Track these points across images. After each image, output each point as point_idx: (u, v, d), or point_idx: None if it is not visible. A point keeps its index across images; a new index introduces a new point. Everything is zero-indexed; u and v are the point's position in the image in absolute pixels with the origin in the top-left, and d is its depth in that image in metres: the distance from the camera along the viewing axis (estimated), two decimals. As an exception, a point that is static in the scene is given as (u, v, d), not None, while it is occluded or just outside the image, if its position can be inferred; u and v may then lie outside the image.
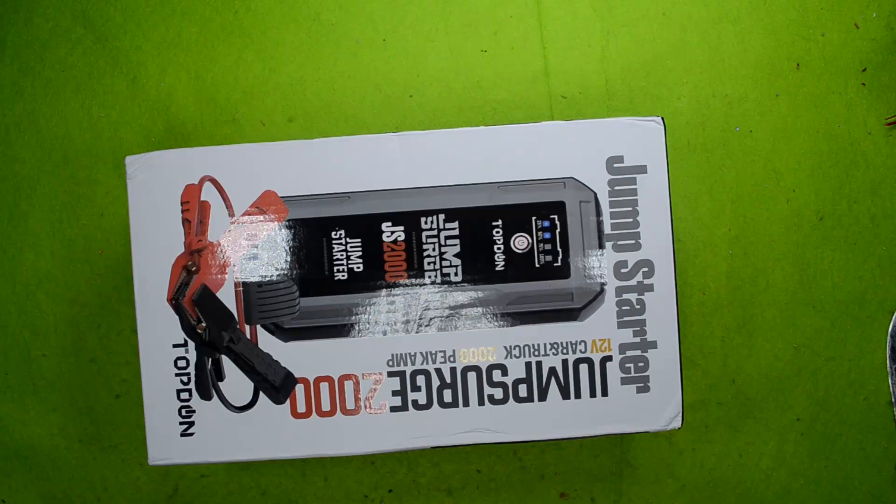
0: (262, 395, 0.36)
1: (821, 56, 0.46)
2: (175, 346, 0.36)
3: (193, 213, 0.35)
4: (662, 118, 0.36)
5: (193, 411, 0.36)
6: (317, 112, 0.46)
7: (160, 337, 0.36)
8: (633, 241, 0.36)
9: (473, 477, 0.47)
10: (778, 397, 0.47)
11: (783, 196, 0.46)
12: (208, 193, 0.35)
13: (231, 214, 0.35)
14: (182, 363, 0.36)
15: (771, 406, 0.46)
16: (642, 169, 0.36)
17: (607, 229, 0.36)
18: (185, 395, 0.36)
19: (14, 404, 0.47)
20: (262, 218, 0.35)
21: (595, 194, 0.36)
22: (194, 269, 0.35)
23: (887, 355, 0.47)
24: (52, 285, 0.46)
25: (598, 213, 0.36)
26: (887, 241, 0.46)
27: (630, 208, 0.36)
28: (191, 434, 0.36)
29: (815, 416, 0.47)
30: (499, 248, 0.36)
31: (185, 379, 0.36)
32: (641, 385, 0.36)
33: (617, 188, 0.36)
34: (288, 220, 0.36)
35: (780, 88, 0.46)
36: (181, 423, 0.36)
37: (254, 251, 0.35)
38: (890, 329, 0.47)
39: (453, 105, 0.46)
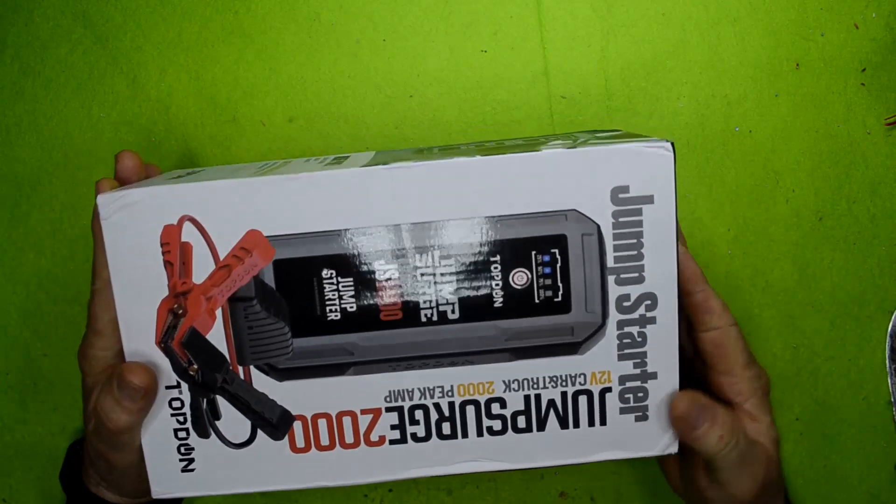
0: (259, 431, 0.35)
1: (820, 56, 0.46)
2: (168, 387, 0.35)
3: (175, 254, 0.34)
4: (672, 143, 0.33)
5: (192, 448, 0.35)
6: (317, 112, 0.46)
7: None
8: (636, 275, 0.34)
9: (473, 477, 0.47)
10: (777, 397, 0.47)
11: (782, 196, 0.46)
12: (189, 233, 0.34)
13: (215, 255, 0.34)
14: (177, 403, 0.35)
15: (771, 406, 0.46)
16: (649, 199, 0.34)
17: (610, 262, 0.34)
18: (182, 434, 0.35)
19: (14, 404, 0.47)
20: (248, 259, 0.34)
21: (598, 227, 0.34)
22: (181, 311, 0.34)
23: (887, 355, 0.47)
24: (52, 285, 0.46)
25: (601, 246, 0.34)
26: (887, 241, 0.46)
27: (635, 240, 0.34)
28: (192, 470, 0.36)
29: (815, 416, 0.47)
30: (497, 285, 0.35)
31: (181, 419, 0.35)
32: (640, 414, 0.36)
33: (621, 220, 0.34)
34: (275, 260, 0.34)
35: (779, 89, 0.46)
36: (181, 460, 0.36)
37: (242, 293, 0.34)
38: (890, 329, 0.47)
39: (453, 105, 0.46)
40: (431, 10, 0.46)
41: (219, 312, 0.34)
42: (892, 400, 0.47)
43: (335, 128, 0.46)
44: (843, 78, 0.46)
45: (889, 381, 0.47)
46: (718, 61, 0.46)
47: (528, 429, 0.36)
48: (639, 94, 0.46)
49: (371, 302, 0.34)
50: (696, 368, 0.40)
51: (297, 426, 0.35)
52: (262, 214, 0.34)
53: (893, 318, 0.47)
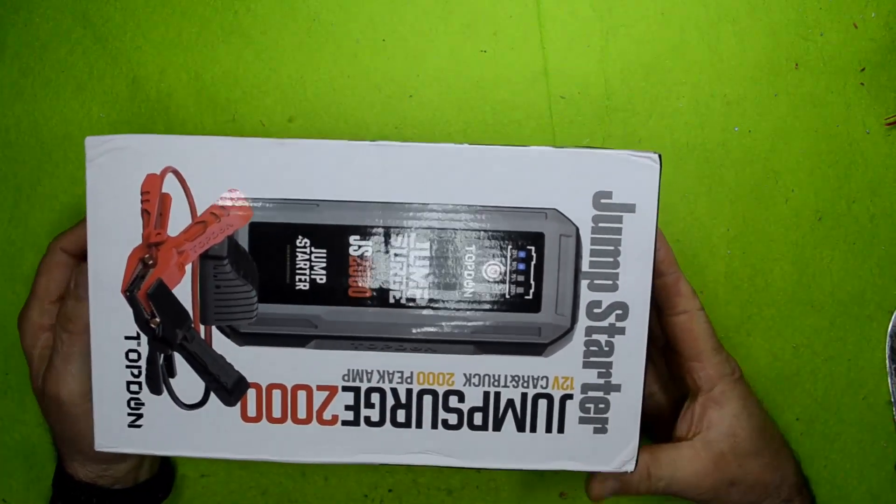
0: (212, 395, 0.35)
1: (819, 56, 0.46)
2: (128, 337, 0.35)
3: (153, 204, 0.34)
4: (660, 155, 0.34)
5: (143, 404, 0.35)
6: (317, 112, 0.46)
7: (113, 327, 0.35)
8: (610, 282, 0.34)
9: (473, 477, 0.47)
10: (777, 397, 0.47)
11: (782, 196, 0.46)
12: (170, 185, 0.34)
13: (193, 210, 0.34)
14: (133, 356, 0.35)
15: (770, 406, 0.46)
16: (631, 208, 0.34)
17: (585, 266, 0.34)
18: (134, 388, 0.35)
19: (14, 404, 0.47)
20: (224, 218, 0.34)
21: (577, 229, 0.34)
22: (151, 262, 0.34)
23: (886, 355, 0.47)
24: (52, 285, 0.46)
25: (578, 249, 0.34)
26: (886, 240, 0.46)
27: (612, 247, 0.34)
28: (138, 426, 0.35)
29: (815, 416, 0.47)
30: (469, 275, 0.34)
31: (135, 371, 0.35)
32: (599, 426, 0.35)
33: (601, 225, 0.34)
34: (251, 223, 0.34)
35: (778, 88, 0.46)
36: (129, 415, 0.35)
37: (214, 251, 0.34)
38: (889, 329, 0.47)
39: (453, 105, 0.46)
40: (431, 10, 0.46)
41: (188, 269, 0.34)
42: (892, 400, 0.47)
43: (335, 128, 0.46)
44: (842, 78, 0.46)
45: (889, 381, 0.47)
46: (718, 61, 0.46)
47: (484, 427, 0.35)
48: (638, 94, 0.46)
49: (341, 276, 0.34)
50: (668, 358, 0.41)
51: (251, 394, 0.35)
52: (245, 175, 0.34)
53: (893, 318, 0.47)
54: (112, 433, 0.35)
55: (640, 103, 0.46)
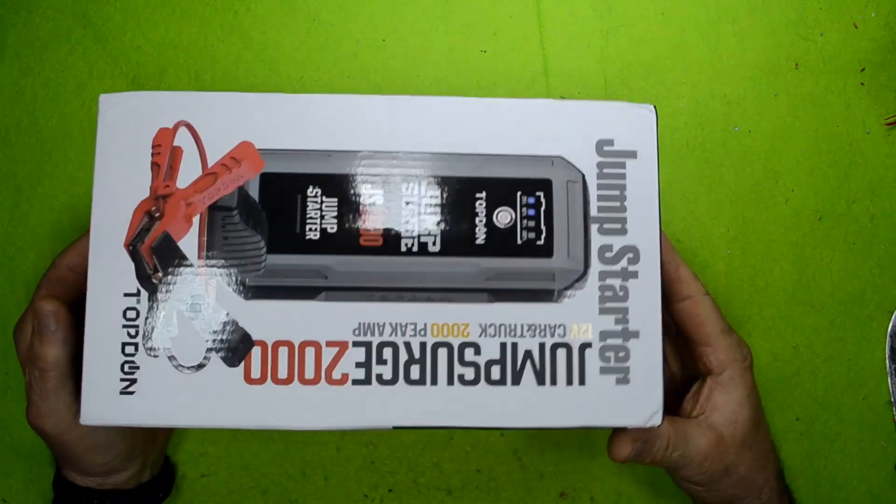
0: (213, 355, 0.34)
1: (819, 56, 0.46)
2: (127, 295, 0.33)
3: (164, 157, 0.33)
4: (655, 106, 0.35)
5: (137, 367, 0.33)
6: (317, 112, 0.46)
7: (111, 284, 0.33)
8: (619, 226, 0.35)
9: (473, 477, 0.47)
10: (777, 397, 0.47)
11: (782, 196, 0.46)
12: (182, 140, 0.34)
13: (204, 162, 0.34)
14: (132, 314, 0.33)
15: (770, 406, 0.46)
16: (632, 154, 0.35)
17: (593, 211, 0.35)
18: (130, 350, 0.33)
19: (14, 404, 0.47)
20: (235, 169, 0.34)
21: (583, 175, 0.35)
22: (157, 214, 0.33)
23: (886, 355, 0.47)
24: (52, 285, 0.46)
25: (585, 194, 0.35)
26: (886, 240, 0.46)
27: (618, 192, 0.35)
28: (131, 393, 0.33)
29: (815, 416, 0.47)
30: (480, 221, 0.34)
31: (132, 332, 0.33)
32: (621, 376, 0.34)
33: (605, 171, 0.35)
34: (263, 173, 0.34)
35: (778, 88, 0.46)
36: (122, 381, 0.33)
37: (223, 202, 0.34)
38: (889, 329, 0.47)
39: (453, 105, 0.46)
40: (431, 10, 0.46)
41: (196, 221, 0.34)
42: (892, 400, 0.47)
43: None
44: (842, 78, 0.46)
45: (889, 381, 0.47)
46: (718, 61, 0.46)
47: (503, 381, 0.34)
48: (638, 94, 0.46)
49: (352, 225, 0.34)
50: (682, 349, 0.41)
51: (256, 353, 0.34)
52: (257, 129, 0.34)
53: (893, 318, 0.47)
54: (101, 403, 0.33)
55: (640, 103, 0.46)
